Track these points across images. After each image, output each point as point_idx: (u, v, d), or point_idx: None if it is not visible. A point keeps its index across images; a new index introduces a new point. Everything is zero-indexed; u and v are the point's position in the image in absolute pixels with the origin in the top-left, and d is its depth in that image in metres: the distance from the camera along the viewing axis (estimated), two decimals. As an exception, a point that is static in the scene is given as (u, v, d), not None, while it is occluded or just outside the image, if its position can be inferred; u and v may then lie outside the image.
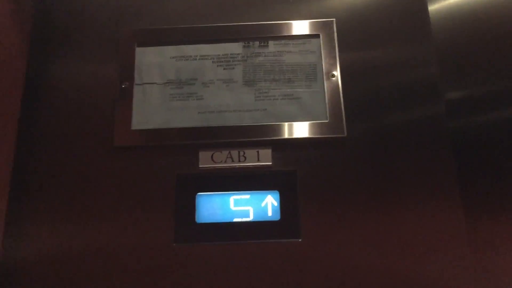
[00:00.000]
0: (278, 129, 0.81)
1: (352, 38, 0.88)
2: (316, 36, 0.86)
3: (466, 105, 0.85)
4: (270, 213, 0.79)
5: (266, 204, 0.79)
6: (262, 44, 0.87)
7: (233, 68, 0.86)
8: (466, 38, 0.88)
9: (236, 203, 0.79)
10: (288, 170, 0.81)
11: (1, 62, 0.77)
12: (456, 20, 0.89)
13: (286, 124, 0.81)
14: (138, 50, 0.87)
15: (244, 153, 0.81)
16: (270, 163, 0.81)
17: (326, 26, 0.87)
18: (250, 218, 0.78)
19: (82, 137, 0.84)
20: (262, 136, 0.81)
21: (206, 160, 0.81)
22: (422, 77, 0.85)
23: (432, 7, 0.90)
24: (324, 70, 0.84)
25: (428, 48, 0.87)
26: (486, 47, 0.87)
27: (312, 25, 0.87)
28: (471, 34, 0.88)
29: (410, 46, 0.87)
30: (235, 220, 0.78)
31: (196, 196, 0.80)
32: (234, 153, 0.81)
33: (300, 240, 0.77)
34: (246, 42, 0.87)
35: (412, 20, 0.89)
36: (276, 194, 0.80)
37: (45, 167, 0.82)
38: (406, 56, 0.87)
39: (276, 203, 0.79)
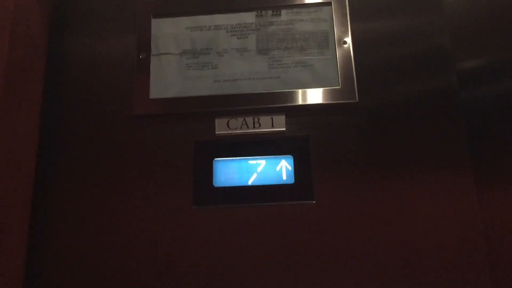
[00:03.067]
0: (291, 96, 0.83)
1: (364, 7, 0.89)
2: (328, 4, 0.88)
3: (478, 75, 0.86)
4: (284, 177, 0.81)
5: (281, 168, 0.82)
6: (274, 13, 0.88)
7: (247, 37, 0.88)
8: (478, 7, 0.88)
9: (252, 167, 0.82)
10: (301, 136, 0.83)
11: (25, 37, 0.80)
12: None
13: (299, 91, 0.84)
14: (154, 22, 0.89)
15: (258, 119, 0.84)
16: (284, 129, 0.83)
17: (338, -6, 0.88)
18: (266, 181, 0.81)
19: (102, 107, 0.87)
20: (276, 103, 0.83)
21: (222, 127, 0.84)
22: (434, 47, 0.86)
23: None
24: (336, 38, 0.86)
25: (440, 18, 0.87)
26: (498, 16, 0.87)
27: (324, -7, 0.88)
28: (482, 3, 0.88)
29: (422, 16, 0.88)
30: (251, 183, 0.81)
31: (213, 161, 0.83)
32: (249, 119, 0.84)
33: (313, 202, 0.79)
34: (259, 12, 0.89)
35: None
36: (290, 158, 0.82)
37: (68, 136, 0.86)
38: (418, 26, 0.87)
39: (290, 167, 0.82)
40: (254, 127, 0.84)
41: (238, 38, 0.88)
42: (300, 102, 0.83)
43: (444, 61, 0.85)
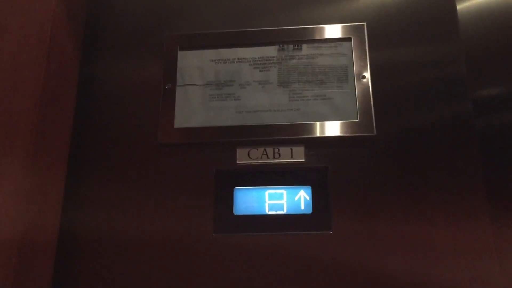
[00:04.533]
0: (310, 128, 0.86)
1: (382, 39, 0.91)
2: (348, 39, 0.91)
3: (493, 104, 0.87)
4: (302, 207, 0.84)
5: (299, 198, 0.84)
6: (296, 47, 0.92)
7: (269, 70, 0.91)
8: (494, 36, 0.90)
9: (271, 197, 0.85)
10: (320, 167, 0.86)
11: (58, 67, 0.84)
12: (484, 18, 0.91)
13: (318, 123, 0.86)
14: (181, 54, 0.93)
15: (278, 150, 0.87)
16: (303, 160, 0.86)
17: (357, 30, 0.91)
18: (284, 211, 0.84)
19: (129, 135, 0.91)
20: (296, 134, 0.86)
21: (243, 157, 0.87)
22: (450, 76, 0.88)
23: (460, 6, 0.92)
24: (355, 72, 0.89)
25: (456, 47, 0.90)
26: None
27: (344, 29, 0.91)
28: (499, 32, 0.90)
29: (439, 45, 0.90)
30: (270, 212, 0.84)
31: (234, 190, 0.85)
32: (269, 150, 0.87)
33: (331, 232, 0.81)
34: (281, 46, 0.92)
35: (441, 20, 0.92)
36: (309, 189, 0.85)
37: (96, 163, 0.90)
38: (435, 55, 0.90)
39: (308, 198, 0.84)
40: (274, 158, 0.86)
41: (260, 70, 0.91)
42: (319, 134, 0.86)
43: (460, 89, 0.87)
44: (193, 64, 0.93)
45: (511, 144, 0.84)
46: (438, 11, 0.92)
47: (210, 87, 0.91)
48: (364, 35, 0.91)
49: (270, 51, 0.92)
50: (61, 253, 0.84)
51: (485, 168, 0.82)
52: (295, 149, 0.86)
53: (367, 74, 0.88)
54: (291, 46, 0.92)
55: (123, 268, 0.83)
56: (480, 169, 0.82)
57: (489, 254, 0.78)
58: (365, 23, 0.91)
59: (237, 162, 0.87)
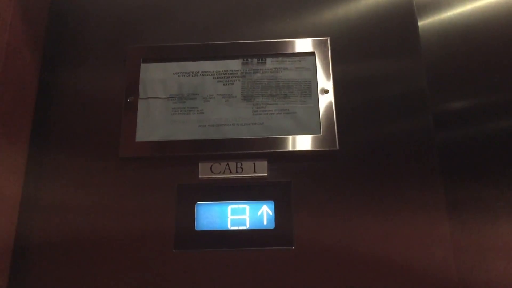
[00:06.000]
0: (274, 142, 0.86)
1: (345, 54, 0.92)
2: (312, 54, 0.91)
3: (453, 117, 0.89)
4: (265, 222, 0.83)
5: (262, 213, 0.84)
6: (260, 61, 0.92)
7: (232, 83, 0.90)
8: (455, 51, 0.92)
9: (233, 212, 0.84)
10: (283, 181, 0.85)
11: (16, 77, 0.82)
12: (446, 34, 0.93)
13: (281, 138, 0.86)
14: (143, 66, 0.92)
15: (241, 164, 0.86)
16: (266, 175, 0.85)
17: (321, 45, 0.91)
18: (247, 226, 0.83)
19: (90, 147, 0.89)
20: (259, 148, 0.86)
21: (206, 171, 0.86)
22: (411, 90, 0.90)
23: (422, 22, 0.94)
24: (318, 86, 0.89)
25: (417, 62, 0.91)
26: (474, 61, 0.91)
27: (308, 44, 0.92)
28: (459, 48, 0.92)
29: (400, 60, 0.92)
30: (232, 228, 0.83)
31: (196, 204, 0.84)
32: (232, 164, 0.86)
33: (293, 248, 0.81)
34: (245, 59, 0.92)
35: (402, 35, 0.93)
36: (271, 204, 0.84)
37: (54, 175, 0.87)
38: (396, 70, 0.91)
39: (271, 213, 0.83)
40: (237, 172, 0.86)
41: (224, 84, 0.90)
42: (282, 148, 0.85)
43: (421, 103, 0.89)
44: (156, 76, 0.91)
45: (470, 157, 0.86)
46: (400, 26, 0.94)
47: (173, 100, 0.90)
48: (328, 49, 0.91)
49: (234, 64, 0.92)
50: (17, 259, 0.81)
51: (445, 181, 0.84)
52: (258, 163, 0.86)
53: (330, 89, 0.89)
54: (255, 60, 0.92)
55: (80, 280, 0.80)
56: (441, 183, 0.84)
57: (449, 270, 0.79)
58: (328, 37, 0.92)
59: (200, 176, 0.86)
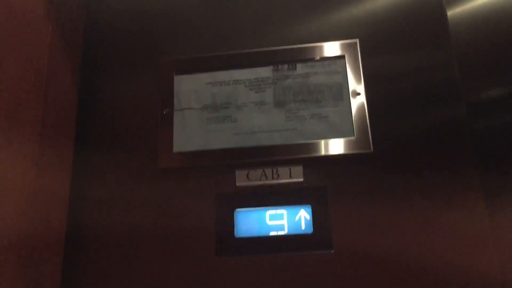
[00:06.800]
0: (308, 147, 0.87)
1: (375, 53, 0.92)
2: (341, 57, 0.91)
3: (488, 107, 0.88)
4: (303, 227, 0.84)
5: (300, 218, 0.85)
6: (290, 67, 0.93)
7: (264, 91, 0.92)
8: (485, 40, 0.91)
9: (272, 217, 0.85)
10: (319, 186, 0.86)
11: (57, 99, 0.86)
12: (475, 23, 0.92)
13: (315, 142, 0.87)
14: (177, 78, 0.94)
15: (277, 170, 0.87)
16: (302, 179, 0.87)
17: (350, 47, 0.92)
18: (285, 231, 0.84)
19: (129, 160, 0.92)
20: (293, 154, 0.87)
21: (242, 179, 0.87)
22: (443, 81, 0.89)
23: (452, 12, 0.93)
24: (349, 89, 0.89)
25: (447, 53, 0.90)
26: (504, 48, 0.89)
27: (337, 47, 0.92)
28: (490, 36, 0.91)
29: (431, 53, 0.91)
30: (271, 233, 0.84)
31: (235, 212, 0.86)
32: (268, 171, 0.88)
33: (332, 251, 0.82)
34: (275, 66, 0.93)
35: (431, 26, 0.92)
36: (309, 208, 0.85)
37: (97, 189, 0.91)
38: (427, 64, 0.90)
39: (309, 217, 0.85)
40: (273, 178, 0.87)
41: (256, 92, 0.92)
42: (316, 153, 0.86)
43: (454, 94, 0.88)
44: (190, 88, 0.94)
45: (507, 146, 0.85)
46: (429, 18, 0.93)
47: (207, 110, 0.92)
48: (358, 51, 0.91)
49: (265, 71, 0.93)
50: (69, 252, 0.86)
51: (482, 172, 0.83)
52: (293, 169, 0.87)
53: (362, 91, 0.89)
54: (285, 66, 0.93)
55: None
56: (477, 174, 0.83)
57: (490, 262, 0.78)
58: (357, 39, 0.92)
59: (237, 184, 0.87)
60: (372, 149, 0.85)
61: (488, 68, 0.89)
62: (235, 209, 0.86)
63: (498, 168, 0.84)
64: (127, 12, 1.01)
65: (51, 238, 0.82)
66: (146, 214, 0.88)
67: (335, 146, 0.86)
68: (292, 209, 0.85)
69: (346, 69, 0.91)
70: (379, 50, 0.92)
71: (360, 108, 0.88)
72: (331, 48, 0.92)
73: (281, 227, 0.85)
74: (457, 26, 0.92)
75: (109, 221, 0.88)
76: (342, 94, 0.90)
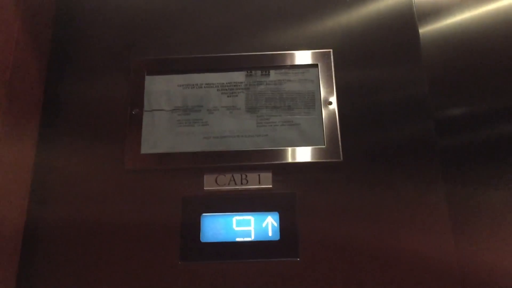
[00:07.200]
0: (278, 154, 0.86)
1: (348, 64, 0.93)
2: (315, 66, 0.92)
3: (454, 123, 0.90)
4: (270, 233, 0.83)
5: (267, 225, 0.84)
6: (264, 73, 0.92)
7: (237, 95, 0.91)
8: (455, 58, 0.93)
9: (238, 223, 0.84)
10: (287, 193, 0.86)
11: (22, 92, 0.83)
12: (446, 41, 0.94)
13: (286, 149, 0.87)
14: (148, 79, 0.92)
15: (246, 176, 0.86)
16: (271, 186, 0.86)
17: (324, 56, 0.92)
18: (252, 238, 0.83)
19: (94, 160, 0.89)
20: (263, 160, 0.86)
21: (211, 183, 0.86)
22: (413, 98, 0.90)
23: (423, 29, 0.95)
24: (322, 98, 0.90)
25: (418, 70, 0.92)
26: (474, 66, 0.92)
27: (311, 56, 0.93)
28: (460, 54, 0.93)
29: (401, 68, 0.92)
30: (237, 239, 0.83)
31: (201, 216, 0.85)
32: (237, 176, 0.87)
33: (298, 259, 0.81)
34: (249, 71, 0.93)
35: (403, 43, 0.94)
36: (276, 215, 0.84)
37: (60, 187, 0.87)
38: (398, 78, 0.92)
39: (276, 224, 0.84)
40: (241, 184, 0.86)
41: (228, 96, 0.91)
42: (286, 160, 0.86)
43: (423, 110, 0.89)
44: (161, 89, 0.92)
45: (472, 162, 0.86)
46: (402, 35, 0.95)
47: (178, 112, 0.90)
48: (331, 61, 0.92)
49: (238, 76, 0.92)
50: (26, 251, 0.83)
51: (447, 186, 0.84)
52: (262, 175, 0.86)
53: (334, 100, 0.89)
54: (259, 72, 0.92)
55: None
56: (443, 188, 0.84)
57: (453, 272, 0.79)
58: (331, 50, 0.93)
59: (205, 188, 0.86)
60: (341, 158, 0.86)
61: (456, 86, 0.91)
62: (201, 213, 0.85)
63: (462, 181, 0.85)
64: (99, 9, 0.99)
65: (6, 236, 0.79)
66: (110, 215, 0.85)
67: (305, 154, 0.86)
68: (260, 215, 0.85)
69: (319, 78, 0.91)
70: (352, 61, 0.94)
71: (332, 117, 0.88)
72: (305, 57, 0.93)
73: (247, 233, 0.84)
74: (428, 43, 0.94)
75: (70, 220, 0.85)
76: (314, 102, 0.90)
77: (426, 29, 0.95)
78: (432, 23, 0.96)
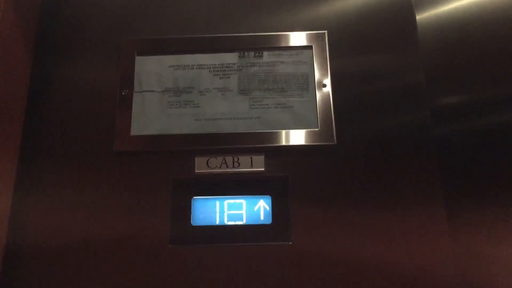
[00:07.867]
0: (271, 137, 0.85)
1: (343, 47, 0.91)
2: (309, 47, 0.90)
3: (450, 111, 0.88)
4: (262, 217, 0.82)
5: (259, 208, 0.83)
6: (257, 54, 0.90)
7: (229, 77, 0.89)
8: (452, 46, 0.91)
9: (230, 207, 0.83)
10: (280, 176, 0.84)
11: (8, 69, 0.81)
12: (443, 28, 0.93)
13: (278, 132, 0.85)
14: (138, 59, 0.90)
15: (238, 159, 0.85)
16: (263, 169, 0.85)
17: (318, 38, 0.90)
18: (243, 221, 0.82)
19: (83, 141, 0.87)
20: (256, 143, 0.85)
21: (202, 166, 0.85)
22: (408, 84, 0.89)
23: (420, 16, 0.93)
24: (315, 80, 0.88)
25: (415, 56, 0.91)
26: (471, 54, 0.90)
27: (305, 37, 0.91)
28: (457, 42, 0.91)
29: (398, 54, 0.91)
30: (229, 223, 0.82)
31: (192, 200, 0.83)
32: (229, 159, 0.85)
33: (290, 243, 0.80)
34: (241, 52, 0.91)
35: (400, 29, 0.93)
36: (268, 198, 0.83)
37: (48, 169, 0.85)
38: (394, 64, 0.90)
39: (268, 208, 0.83)
40: (233, 167, 0.85)
41: (220, 78, 0.89)
42: (279, 143, 0.85)
43: (419, 97, 0.88)
44: (151, 70, 0.90)
45: (467, 151, 0.85)
46: (398, 20, 0.93)
47: (169, 93, 0.89)
48: (325, 43, 0.90)
49: (231, 58, 0.90)
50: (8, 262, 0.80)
51: (442, 175, 0.83)
52: (255, 158, 0.85)
53: (328, 82, 0.88)
54: (252, 53, 0.90)
55: (75, 276, 0.79)
56: (437, 173, 0.83)
57: (447, 262, 0.78)
58: (326, 31, 0.91)
59: (196, 171, 0.84)
60: (335, 141, 0.84)
61: (452, 74, 0.90)
62: (192, 196, 0.83)
63: (458, 172, 0.84)
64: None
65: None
66: (99, 197, 0.83)
67: (299, 137, 0.85)
68: (252, 199, 0.83)
69: (313, 59, 0.89)
70: (347, 44, 0.92)
71: (325, 100, 0.87)
72: (299, 38, 0.91)
73: (239, 217, 0.82)
74: (425, 30, 0.92)
75: (59, 202, 0.83)
76: (308, 84, 0.88)
77: (423, 15, 0.93)
78: (429, 9, 0.94)
